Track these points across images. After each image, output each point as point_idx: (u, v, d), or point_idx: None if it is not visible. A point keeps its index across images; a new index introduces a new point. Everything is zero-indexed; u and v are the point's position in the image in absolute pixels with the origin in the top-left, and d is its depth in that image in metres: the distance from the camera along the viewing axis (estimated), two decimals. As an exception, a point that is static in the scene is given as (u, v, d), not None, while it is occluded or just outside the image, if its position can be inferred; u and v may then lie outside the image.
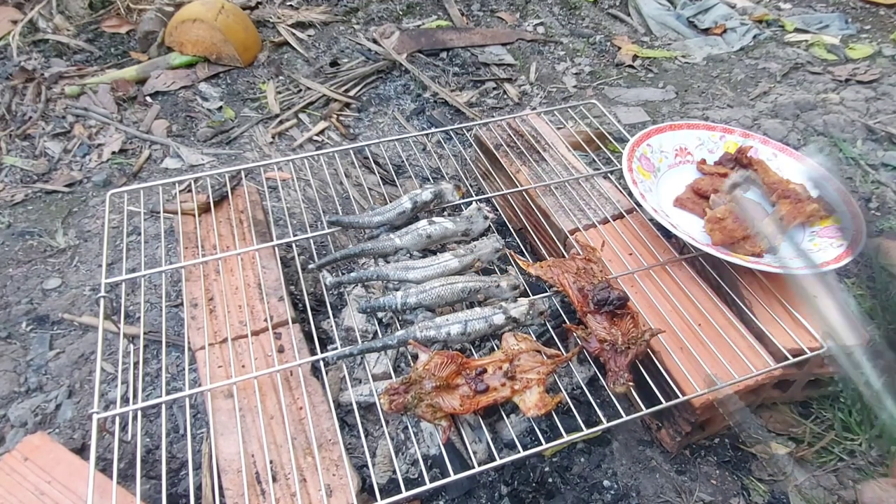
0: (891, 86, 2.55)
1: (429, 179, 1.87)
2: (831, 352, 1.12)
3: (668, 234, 1.47)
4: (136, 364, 1.37)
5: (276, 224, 1.89)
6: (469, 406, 1.08)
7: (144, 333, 1.56)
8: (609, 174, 1.70)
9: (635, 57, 2.84)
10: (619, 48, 2.90)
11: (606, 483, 1.32)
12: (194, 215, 1.54)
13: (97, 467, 1.04)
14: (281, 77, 2.64)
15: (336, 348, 1.22)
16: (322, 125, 2.37)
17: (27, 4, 2.80)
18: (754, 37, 2.96)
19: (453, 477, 1.02)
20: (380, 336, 1.36)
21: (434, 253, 1.39)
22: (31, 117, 2.32)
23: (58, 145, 2.24)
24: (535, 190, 1.62)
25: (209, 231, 1.52)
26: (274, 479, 1.09)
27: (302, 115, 2.44)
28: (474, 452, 1.27)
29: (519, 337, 1.20)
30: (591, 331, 1.20)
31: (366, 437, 1.23)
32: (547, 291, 1.33)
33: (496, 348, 1.22)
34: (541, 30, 3.05)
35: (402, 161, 2.15)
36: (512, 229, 1.69)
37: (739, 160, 1.59)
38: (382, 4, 3.15)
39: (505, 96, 2.59)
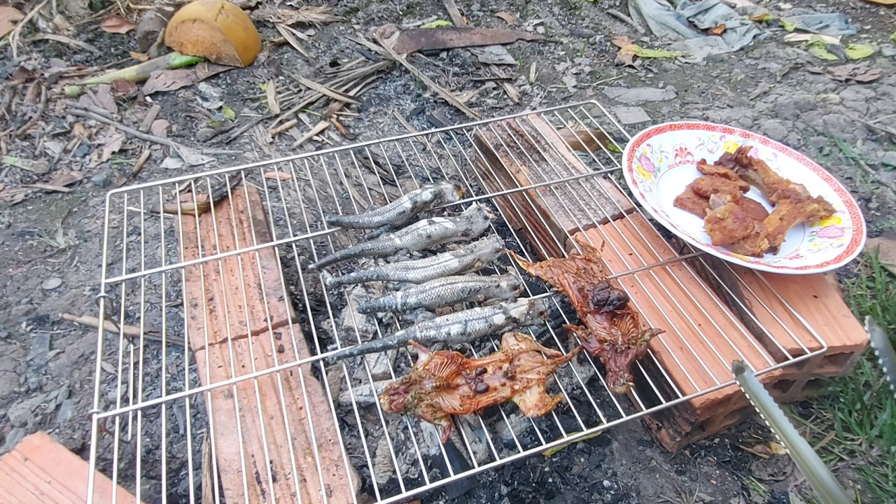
0: (891, 86, 2.55)
1: (429, 179, 1.87)
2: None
3: (668, 234, 1.47)
4: (136, 364, 1.37)
5: (276, 224, 1.89)
6: (469, 406, 1.08)
7: (144, 333, 1.56)
8: (609, 174, 1.70)
9: (635, 57, 2.84)
10: (619, 48, 2.90)
11: (606, 483, 1.32)
12: (194, 215, 1.54)
13: (97, 467, 1.04)
14: (281, 77, 2.64)
15: (336, 348, 1.22)
16: (322, 125, 2.37)
17: (27, 4, 2.79)
18: (754, 37, 2.96)
19: (453, 477, 1.02)
20: (380, 336, 1.36)
21: (434, 253, 1.39)
22: (31, 117, 2.32)
23: (58, 145, 2.24)
24: (535, 190, 1.62)
25: (209, 231, 1.52)
26: (274, 479, 1.09)
27: (302, 115, 2.44)
28: (474, 452, 1.27)
29: (519, 337, 1.20)
30: (591, 331, 1.19)
31: (366, 437, 1.24)
32: (547, 291, 1.33)
33: (496, 348, 1.22)
34: (541, 30, 3.05)
35: (402, 161, 2.15)
36: (512, 229, 1.69)
37: (739, 160, 1.59)
38: (382, 4, 3.15)
39: (505, 96, 2.59)
